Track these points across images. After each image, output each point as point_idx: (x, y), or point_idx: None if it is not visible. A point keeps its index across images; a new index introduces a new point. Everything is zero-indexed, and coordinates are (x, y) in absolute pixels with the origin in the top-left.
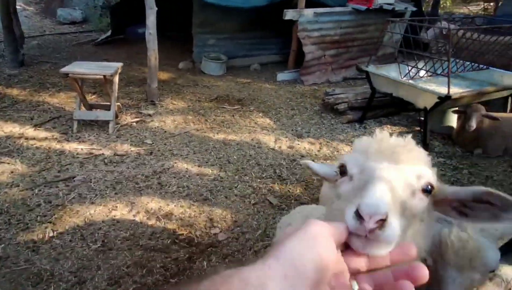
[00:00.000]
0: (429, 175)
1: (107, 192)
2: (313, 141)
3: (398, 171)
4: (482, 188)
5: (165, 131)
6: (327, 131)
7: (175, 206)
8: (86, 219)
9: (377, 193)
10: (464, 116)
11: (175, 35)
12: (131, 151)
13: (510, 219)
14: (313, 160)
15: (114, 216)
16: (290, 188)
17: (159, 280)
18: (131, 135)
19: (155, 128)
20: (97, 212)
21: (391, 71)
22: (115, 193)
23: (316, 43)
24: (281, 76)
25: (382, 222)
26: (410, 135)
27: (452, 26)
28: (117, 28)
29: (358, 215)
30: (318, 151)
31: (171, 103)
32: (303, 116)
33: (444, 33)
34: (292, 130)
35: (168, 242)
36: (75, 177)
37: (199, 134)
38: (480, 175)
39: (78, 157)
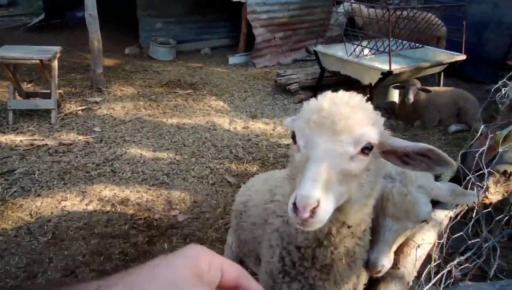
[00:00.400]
0: (369, 135)
1: (55, 183)
2: (267, 121)
3: (335, 144)
4: (426, 145)
5: (115, 118)
6: (280, 111)
7: (130, 192)
8: (32, 213)
9: (309, 184)
10: (403, 91)
11: (118, 20)
12: (79, 140)
13: (440, 170)
14: (268, 140)
15: (64, 207)
16: (247, 167)
17: (118, 266)
18: (77, 124)
19: (103, 115)
20: (45, 204)
21: (338, 51)
22: (64, 184)
23: (265, 26)
24: (233, 59)
25: (315, 208)
26: (355, 94)
27: (391, 7)
28: (52, 12)
29: (295, 206)
30: (273, 130)
31: (119, 90)
32: (256, 97)
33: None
34: (246, 111)
35: (126, 227)
36: (15, 170)
37: (152, 120)
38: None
39: (17, 149)
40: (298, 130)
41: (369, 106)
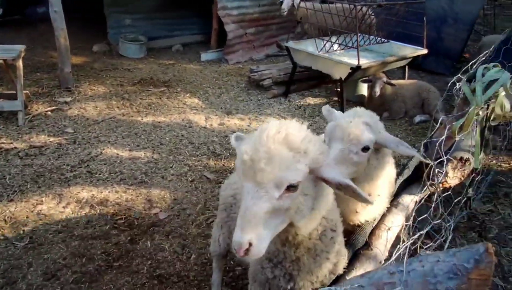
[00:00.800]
0: (288, 178)
1: (28, 187)
2: (242, 117)
3: (260, 191)
4: (347, 182)
5: (87, 118)
6: (255, 107)
7: (109, 192)
8: (6, 218)
9: (239, 231)
10: (370, 85)
11: (84, 16)
12: (50, 141)
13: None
14: None
15: (40, 210)
16: (225, 163)
17: (101, 266)
18: (47, 125)
19: (75, 116)
20: (19, 209)
21: (309, 46)
22: (38, 187)
23: (237, 22)
24: (205, 56)
25: (248, 249)
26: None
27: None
28: (11, 8)
29: None
30: (248, 126)
31: (90, 89)
32: (230, 94)
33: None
34: (221, 108)
35: (107, 228)
36: None
37: (126, 119)
38: None
39: None
40: (238, 171)
41: (299, 135)
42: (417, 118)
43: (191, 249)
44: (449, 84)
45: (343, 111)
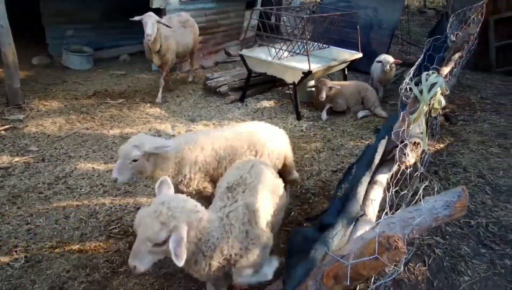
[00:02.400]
0: (155, 238)
1: (6, 209)
2: (207, 123)
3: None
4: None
5: (49, 135)
6: (216, 112)
7: (96, 205)
8: None
9: (131, 256)
10: (316, 90)
11: (18, 27)
12: (16, 161)
13: None
14: None
15: (28, 230)
16: None
17: (107, 273)
18: (5, 145)
19: (33, 133)
20: (4, 231)
21: (261, 53)
22: (18, 208)
23: None
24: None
25: (135, 268)
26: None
27: (305, 15)
28: None
29: None
30: None
31: (42, 105)
32: (189, 101)
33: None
34: (184, 115)
35: (103, 238)
36: None
37: (92, 133)
38: (338, 129)
39: None
40: None
41: (165, 213)
42: (360, 114)
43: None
44: (402, 89)
45: (297, 112)
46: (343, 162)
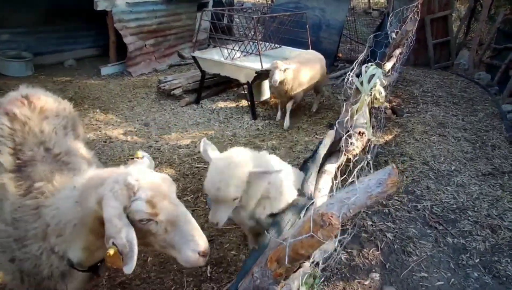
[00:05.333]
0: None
1: None
2: (162, 126)
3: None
4: None
5: None
6: (171, 116)
7: None
8: None
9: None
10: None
11: None
12: None
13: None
14: (168, 143)
15: None
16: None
17: None
18: None
19: None
20: None
21: (214, 55)
22: None
23: (135, 34)
24: (105, 70)
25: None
26: None
27: (255, 15)
28: None
29: None
30: (169, 135)
31: None
32: (143, 106)
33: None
34: (138, 120)
35: None
36: None
37: None
38: (293, 126)
39: None
40: None
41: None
42: (314, 107)
43: (146, 252)
44: (345, 80)
45: (253, 111)
46: (299, 158)
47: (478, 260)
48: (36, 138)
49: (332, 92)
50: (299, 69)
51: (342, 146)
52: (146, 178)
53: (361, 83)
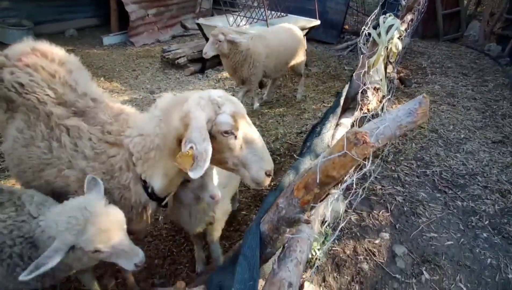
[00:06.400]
0: None
1: None
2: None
3: None
4: None
5: None
6: (176, 84)
7: None
8: None
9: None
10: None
11: None
12: None
13: None
14: None
15: None
16: None
17: None
18: None
19: None
20: None
21: (219, 22)
22: None
23: (137, 2)
24: (108, 39)
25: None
26: None
27: None
28: None
29: None
30: None
31: None
32: (147, 75)
33: None
34: (143, 88)
35: None
36: None
37: None
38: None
39: None
40: None
41: None
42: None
43: (156, 212)
44: (359, 41)
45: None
46: (306, 125)
47: (487, 222)
48: (74, 90)
49: (339, 63)
50: (256, 45)
51: (358, 100)
52: (227, 96)
53: (379, 35)
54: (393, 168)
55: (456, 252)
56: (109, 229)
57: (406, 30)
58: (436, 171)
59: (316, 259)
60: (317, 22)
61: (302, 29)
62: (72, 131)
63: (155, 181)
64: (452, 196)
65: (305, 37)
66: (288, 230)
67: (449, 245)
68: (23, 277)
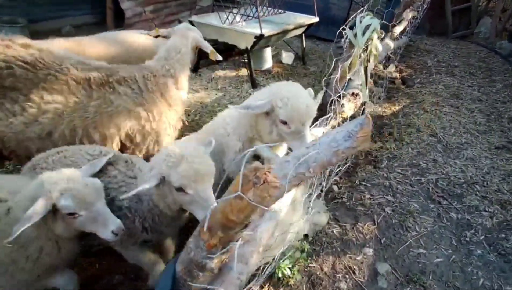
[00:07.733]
0: None
1: None
2: None
3: None
4: None
5: None
6: None
7: None
8: None
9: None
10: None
11: None
12: None
13: None
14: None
15: None
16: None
17: None
18: None
19: None
20: None
21: (213, 20)
22: None
23: None
24: None
25: None
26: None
27: None
28: None
29: None
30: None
31: None
32: None
33: None
34: None
35: None
36: None
37: None
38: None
39: None
40: None
41: None
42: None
43: None
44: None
45: (252, 80)
46: None
47: (483, 237)
48: None
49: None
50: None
51: (330, 109)
52: None
53: (355, 36)
54: (385, 175)
55: (445, 271)
56: (200, 171)
57: (405, 28)
58: (432, 179)
59: (288, 277)
60: (315, 19)
61: (301, 26)
62: None
63: None
64: (446, 207)
65: (304, 35)
66: (201, 274)
67: (438, 262)
68: (124, 195)
